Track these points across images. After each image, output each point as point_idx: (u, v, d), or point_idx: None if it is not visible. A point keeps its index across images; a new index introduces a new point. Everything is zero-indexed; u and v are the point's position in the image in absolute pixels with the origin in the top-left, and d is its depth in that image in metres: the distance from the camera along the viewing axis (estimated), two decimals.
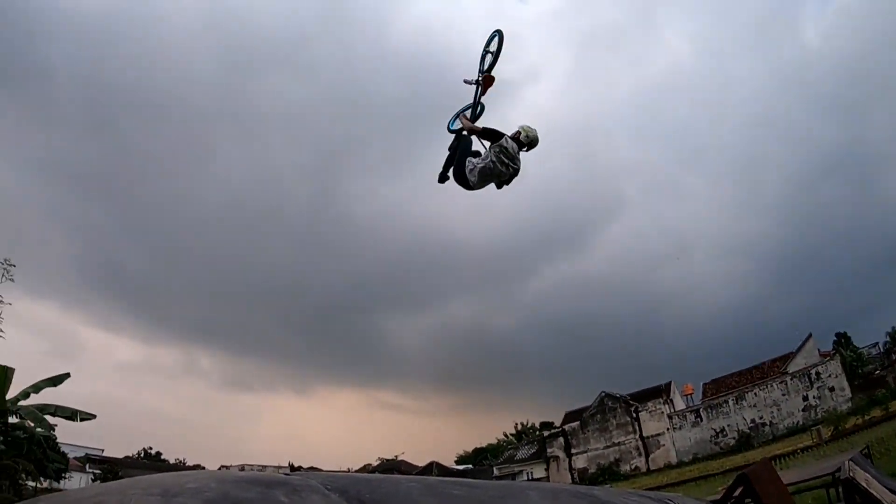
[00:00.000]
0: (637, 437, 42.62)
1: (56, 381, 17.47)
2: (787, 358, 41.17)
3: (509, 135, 6.05)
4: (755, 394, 38.04)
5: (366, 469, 54.88)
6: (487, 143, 6.17)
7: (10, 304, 14.79)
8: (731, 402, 39.02)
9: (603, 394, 46.22)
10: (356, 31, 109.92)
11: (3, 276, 13.58)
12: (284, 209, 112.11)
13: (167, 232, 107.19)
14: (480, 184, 6.19)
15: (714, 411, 39.58)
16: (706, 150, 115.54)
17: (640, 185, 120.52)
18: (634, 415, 43.28)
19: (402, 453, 59.14)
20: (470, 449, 71.14)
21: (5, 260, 13.56)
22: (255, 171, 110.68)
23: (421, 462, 55.66)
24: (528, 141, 6.11)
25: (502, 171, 6.04)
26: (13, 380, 15.62)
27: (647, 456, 41.66)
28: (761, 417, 37.05)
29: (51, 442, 18.86)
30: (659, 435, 41.37)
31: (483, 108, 6.82)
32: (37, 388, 16.87)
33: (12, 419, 16.44)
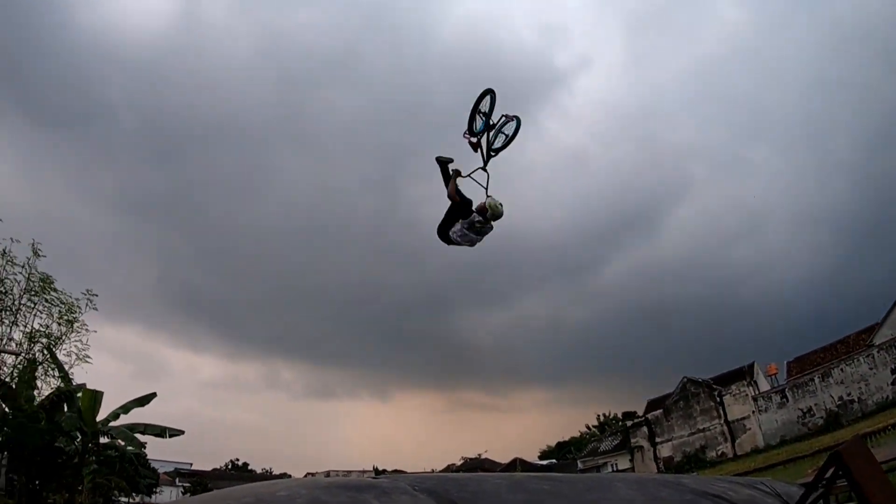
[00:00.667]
0: (722, 421, 42.16)
1: (143, 401, 18.10)
2: (873, 329, 39.87)
3: (476, 208, 6.83)
4: (841, 370, 37.01)
5: (450, 469, 55.69)
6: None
7: (95, 331, 15.80)
8: (816, 380, 38.07)
9: (685, 379, 45.82)
10: (402, 38, 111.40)
11: (86, 305, 15.03)
12: (351, 220, 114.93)
13: (239, 251, 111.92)
14: (459, 243, 7.10)
15: (800, 391, 38.68)
16: (770, 120, 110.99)
17: (706, 163, 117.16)
18: (718, 399, 42.79)
19: (485, 451, 60.09)
20: (553, 443, 71.71)
21: (88, 290, 14.96)
22: (318, 186, 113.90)
23: (504, 459, 56.38)
24: (491, 216, 6.84)
25: (473, 237, 6.97)
26: (102, 402, 16.53)
27: (732, 441, 41.21)
28: (849, 394, 36.04)
29: (141, 459, 19.38)
30: (744, 419, 40.84)
31: (518, 122, 7.06)
32: (126, 408, 17.63)
33: (104, 439, 17.53)
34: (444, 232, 7.13)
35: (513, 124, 7.05)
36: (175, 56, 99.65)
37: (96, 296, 15.09)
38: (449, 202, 7.14)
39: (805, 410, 37.95)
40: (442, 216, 7.20)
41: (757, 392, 41.78)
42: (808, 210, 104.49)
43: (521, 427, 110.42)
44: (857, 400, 35.94)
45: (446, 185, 7.15)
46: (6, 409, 13.43)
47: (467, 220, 6.85)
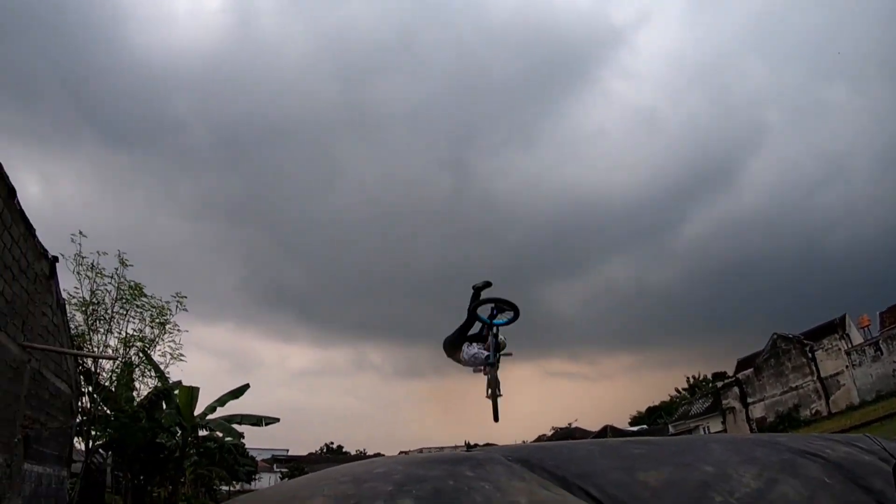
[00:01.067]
0: (815, 378, 40.20)
1: (237, 393, 18.72)
2: None
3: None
4: None
5: (541, 439, 55.78)
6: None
7: (187, 331, 16.27)
8: None
9: (775, 336, 43.86)
10: (456, 16, 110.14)
11: (176, 307, 15.52)
12: (424, 201, 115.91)
13: (319, 243, 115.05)
14: (467, 364, 6.59)
15: (894, 342, 36.65)
16: (845, 55, 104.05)
17: (781, 109, 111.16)
18: (810, 355, 40.87)
19: (576, 420, 59.54)
20: (643, 409, 70.70)
21: (177, 293, 15.49)
22: (388, 173, 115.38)
23: (595, 427, 55.72)
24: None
25: (482, 363, 6.45)
26: (199, 397, 17.34)
27: (827, 398, 39.23)
28: None
29: (239, 448, 20.33)
30: (838, 374, 38.82)
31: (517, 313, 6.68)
32: (221, 401, 18.31)
33: (202, 432, 18.46)
34: (452, 344, 6.77)
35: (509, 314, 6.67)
36: (236, 64, 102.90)
37: (185, 297, 15.66)
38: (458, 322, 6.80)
39: None
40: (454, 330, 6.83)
41: (850, 346, 39.53)
42: (893, 151, 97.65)
43: (610, 394, 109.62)
44: None
45: (473, 309, 6.72)
46: (108, 412, 14.12)
47: (481, 344, 6.58)
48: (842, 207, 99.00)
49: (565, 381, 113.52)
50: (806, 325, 45.00)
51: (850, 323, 42.19)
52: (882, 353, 36.77)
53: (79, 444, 14.43)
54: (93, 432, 13.96)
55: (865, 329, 42.41)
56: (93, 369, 13.81)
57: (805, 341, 41.76)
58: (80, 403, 13.29)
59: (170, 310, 15.57)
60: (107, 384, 14.38)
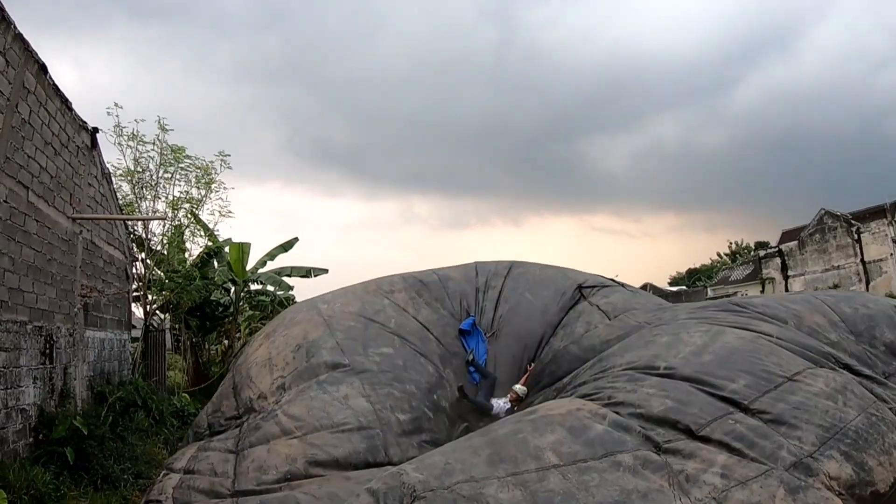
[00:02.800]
0: (858, 261, 38.90)
1: (287, 246, 18.93)
2: None
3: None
4: None
5: None
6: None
7: (233, 188, 16.37)
8: None
9: (823, 211, 42.05)
10: None
11: (221, 166, 15.33)
12: (470, 53, 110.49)
13: (364, 98, 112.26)
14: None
15: None
16: None
17: None
18: (856, 236, 39.28)
19: (616, 276, 60.02)
20: (683, 270, 70.64)
21: (220, 152, 15.27)
22: (430, 23, 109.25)
23: (635, 284, 56.57)
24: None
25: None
26: (250, 253, 17.67)
27: (867, 283, 37.91)
28: None
29: (291, 301, 20.79)
30: (881, 260, 37.27)
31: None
32: (271, 255, 18.62)
33: (255, 286, 18.76)
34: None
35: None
36: None
37: (229, 156, 15.40)
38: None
39: None
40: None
41: None
42: None
43: (651, 253, 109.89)
44: None
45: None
46: (162, 274, 14.42)
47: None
48: None
49: (608, 236, 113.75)
50: (855, 206, 42.83)
51: None
52: None
53: (137, 308, 15.01)
54: (149, 296, 14.38)
55: None
56: (144, 235, 13.95)
57: (852, 221, 39.97)
58: (134, 269, 13.56)
59: (214, 169, 15.39)
60: (158, 248, 14.59)
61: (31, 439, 7.36)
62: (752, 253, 54.05)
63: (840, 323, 6.52)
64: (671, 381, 4.97)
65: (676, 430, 4.43)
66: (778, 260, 44.80)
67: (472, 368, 8.06)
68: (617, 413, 4.66)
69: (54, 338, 8.33)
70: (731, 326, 5.90)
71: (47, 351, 8.07)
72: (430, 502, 3.86)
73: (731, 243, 64.72)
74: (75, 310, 9.25)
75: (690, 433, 4.36)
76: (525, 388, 7.61)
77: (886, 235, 37.45)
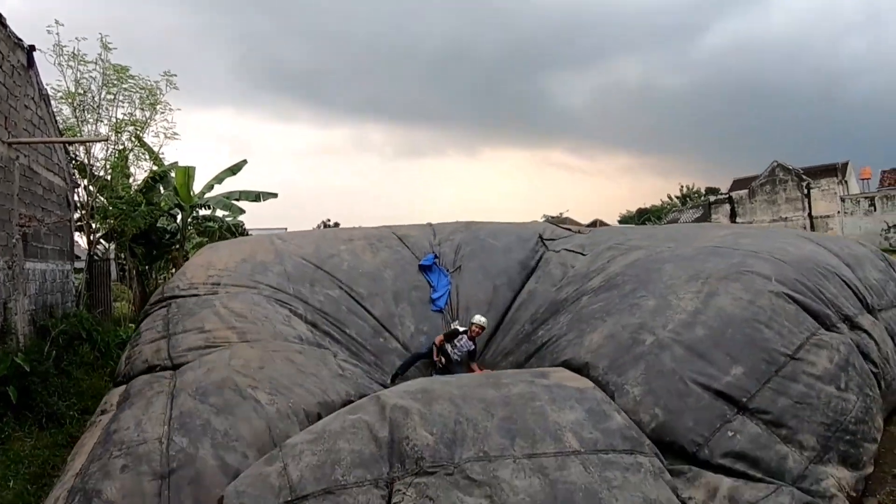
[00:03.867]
0: (805, 215, 40.44)
1: (235, 169, 18.26)
2: None
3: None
4: None
5: None
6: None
7: (179, 109, 15.45)
8: None
9: (775, 163, 43.12)
10: None
11: (167, 86, 14.63)
12: None
13: (322, 20, 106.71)
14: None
15: (890, 203, 35.93)
16: None
17: None
18: (805, 191, 40.66)
19: (567, 211, 60.63)
20: (633, 209, 71.83)
21: (166, 72, 14.49)
22: None
23: (585, 220, 57.42)
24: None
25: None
26: (197, 178, 17.08)
27: None
28: None
29: (240, 228, 20.24)
30: (828, 217, 38.87)
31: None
32: (219, 179, 17.95)
33: (203, 212, 18.16)
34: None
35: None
36: None
37: (175, 76, 14.51)
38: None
39: (891, 225, 35.91)
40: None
41: (846, 192, 39.30)
42: None
43: (603, 191, 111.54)
44: None
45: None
46: (106, 202, 13.80)
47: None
48: (872, 57, 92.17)
49: (563, 172, 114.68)
50: (808, 163, 44.32)
51: (851, 171, 41.60)
52: (875, 210, 36.79)
53: (81, 238, 14.37)
54: (93, 224, 13.78)
55: (865, 182, 42.21)
56: (86, 160, 13.22)
57: (804, 176, 41.15)
58: (76, 196, 12.93)
59: (160, 89, 14.57)
60: (101, 174, 13.89)
61: None
62: (703, 198, 55.25)
63: (836, 260, 6.39)
64: (660, 370, 4.72)
65: (673, 452, 4.28)
66: (727, 206, 45.90)
67: (434, 296, 8.35)
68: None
69: None
70: (724, 279, 5.55)
71: None
72: (436, 485, 3.61)
73: (682, 186, 66.05)
74: (13, 241, 8.81)
75: (688, 457, 4.23)
76: (484, 318, 7.78)
77: (835, 194, 38.92)
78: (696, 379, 4.60)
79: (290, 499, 3.59)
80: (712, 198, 49.22)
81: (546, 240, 9.08)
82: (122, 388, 5.89)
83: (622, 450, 3.96)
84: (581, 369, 5.20)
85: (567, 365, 5.40)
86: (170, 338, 6.32)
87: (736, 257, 5.98)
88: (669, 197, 65.95)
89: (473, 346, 7.71)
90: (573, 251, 8.42)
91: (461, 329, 7.81)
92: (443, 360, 7.68)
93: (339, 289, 7.89)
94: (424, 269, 8.71)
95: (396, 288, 8.33)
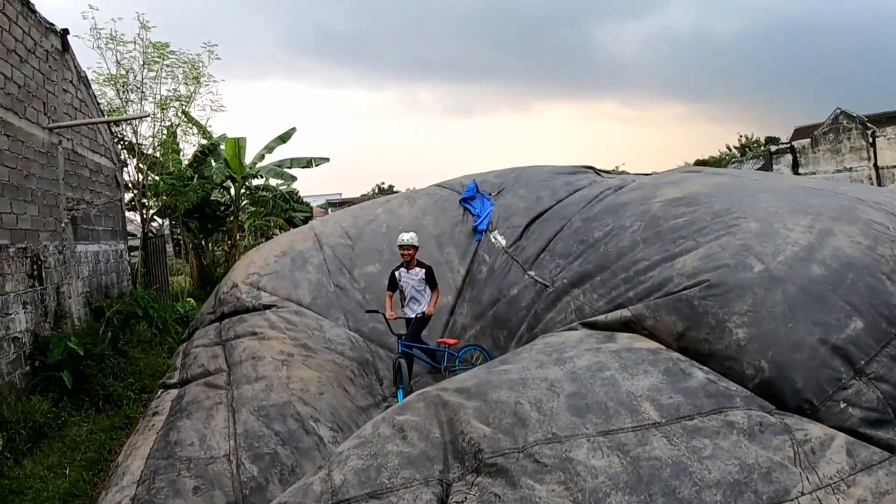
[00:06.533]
0: (871, 164, 37.70)
1: (285, 137, 18.24)
2: None
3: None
4: None
5: None
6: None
7: (223, 80, 15.56)
8: None
9: (838, 111, 40.12)
10: None
11: (209, 58, 14.51)
12: None
13: None
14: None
15: None
16: None
17: None
18: (871, 139, 37.85)
19: (623, 164, 58.93)
20: (691, 160, 69.09)
21: (206, 43, 14.39)
22: None
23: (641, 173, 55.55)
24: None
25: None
26: (248, 148, 17.08)
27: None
28: None
29: (294, 195, 20.27)
30: (894, 167, 36.23)
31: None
32: (269, 148, 18.00)
33: (256, 182, 18.29)
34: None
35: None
36: None
37: (216, 45, 14.49)
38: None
39: None
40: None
41: None
42: None
43: (659, 142, 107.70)
44: None
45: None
46: (156, 178, 13.96)
47: None
48: None
49: (615, 124, 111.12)
50: (868, 108, 40.98)
51: None
52: None
53: (135, 216, 14.63)
54: (145, 202, 14.00)
55: None
56: (133, 140, 13.35)
57: (868, 124, 38.29)
58: (126, 175, 13.08)
59: (202, 62, 14.53)
60: (150, 152, 14.03)
61: (27, 368, 7.27)
62: (763, 148, 52.09)
63: None
64: (770, 310, 3.97)
65: (780, 407, 3.66)
66: (789, 156, 43.09)
67: (476, 224, 7.76)
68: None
69: (41, 257, 8.06)
70: (836, 218, 4.65)
71: (35, 272, 7.81)
72: (503, 473, 3.24)
73: (741, 136, 62.79)
74: (62, 225, 8.92)
75: (801, 411, 3.63)
76: (410, 234, 6.80)
77: None
78: (810, 328, 3.85)
79: (331, 503, 3.38)
80: (773, 147, 46.46)
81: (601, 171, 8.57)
82: (175, 392, 5.91)
83: (709, 411, 3.49)
84: (673, 293, 4.47)
85: (657, 290, 4.65)
86: (224, 344, 6.40)
87: (843, 200, 5.08)
88: (728, 147, 62.89)
89: (423, 271, 6.71)
90: (630, 175, 7.74)
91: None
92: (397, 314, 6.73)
93: (379, 262, 7.62)
94: (466, 200, 8.14)
95: (438, 231, 7.85)
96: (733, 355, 3.86)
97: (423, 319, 6.63)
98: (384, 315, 6.58)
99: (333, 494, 3.40)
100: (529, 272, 6.45)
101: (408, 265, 6.70)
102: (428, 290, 6.74)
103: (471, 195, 8.12)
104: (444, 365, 6.46)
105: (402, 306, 6.82)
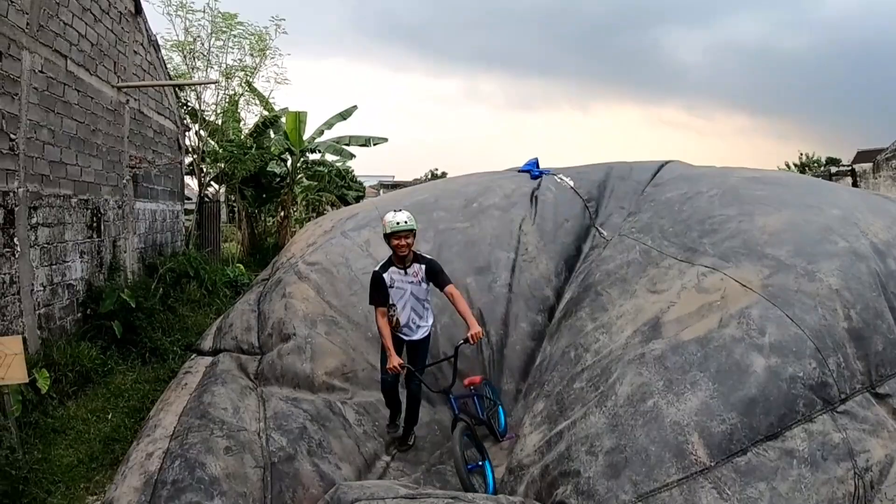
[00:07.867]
0: None
1: (345, 114, 18.24)
2: None
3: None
4: None
5: None
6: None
7: (289, 54, 15.73)
8: None
9: None
10: None
11: (275, 31, 14.70)
12: None
13: None
14: None
15: None
16: None
17: None
18: None
19: None
20: None
21: (274, 16, 14.57)
22: None
23: None
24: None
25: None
26: (308, 123, 17.30)
27: None
28: None
29: (349, 173, 20.51)
30: None
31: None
32: (329, 124, 18.05)
33: (313, 156, 18.47)
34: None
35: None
36: None
37: (283, 20, 14.77)
38: None
39: None
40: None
41: None
42: None
43: (719, 152, 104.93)
44: None
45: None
46: (216, 145, 14.28)
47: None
48: None
49: (676, 131, 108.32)
50: None
51: None
52: None
53: (192, 180, 15.05)
54: (203, 167, 14.37)
55: None
56: (197, 106, 13.70)
57: None
58: (187, 140, 13.43)
59: (269, 35, 14.78)
60: (212, 119, 14.36)
61: (79, 315, 7.57)
62: (823, 168, 49.77)
63: None
64: (856, 276, 3.97)
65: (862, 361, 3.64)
66: (849, 179, 41.07)
67: (524, 167, 7.64)
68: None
69: (101, 210, 8.35)
70: None
71: (94, 224, 8.11)
72: None
73: (801, 154, 60.37)
74: (124, 181, 9.23)
75: (870, 385, 3.59)
76: (404, 213, 4.47)
77: None
78: (891, 302, 3.85)
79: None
80: (833, 168, 44.47)
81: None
82: (210, 359, 6.04)
83: (766, 436, 3.18)
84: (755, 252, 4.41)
85: (733, 238, 4.63)
86: (260, 314, 6.41)
87: None
88: (787, 164, 60.46)
89: (423, 268, 4.58)
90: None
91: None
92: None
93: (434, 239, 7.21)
94: (523, 173, 7.68)
95: (502, 201, 7.07)
96: (826, 295, 3.83)
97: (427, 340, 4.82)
98: (382, 366, 4.66)
99: None
100: (598, 227, 6.59)
101: (403, 261, 4.57)
102: (430, 295, 4.75)
103: (528, 169, 7.76)
104: (484, 411, 5.02)
105: (399, 326, 4.64)
